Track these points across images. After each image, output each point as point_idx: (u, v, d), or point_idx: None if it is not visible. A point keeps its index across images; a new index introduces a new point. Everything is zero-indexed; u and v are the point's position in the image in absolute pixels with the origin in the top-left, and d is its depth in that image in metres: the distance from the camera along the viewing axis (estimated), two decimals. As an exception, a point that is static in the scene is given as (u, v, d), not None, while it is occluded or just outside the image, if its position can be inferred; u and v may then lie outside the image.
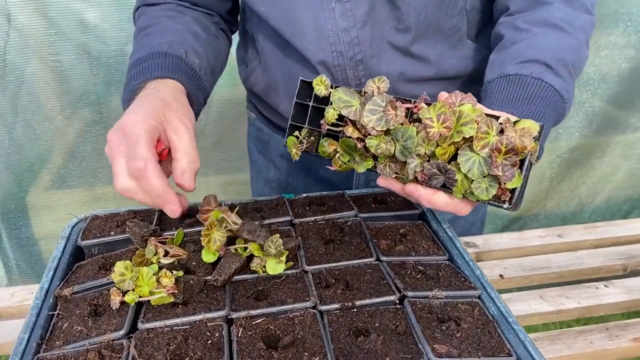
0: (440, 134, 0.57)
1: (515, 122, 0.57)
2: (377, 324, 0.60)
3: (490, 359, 0.56)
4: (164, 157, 0.67)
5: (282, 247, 0.67)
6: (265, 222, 0.77)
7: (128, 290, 0.60)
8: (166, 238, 0.70)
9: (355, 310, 0.62)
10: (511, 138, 0.55)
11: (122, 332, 0.57)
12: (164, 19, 0.86)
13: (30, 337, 0.59)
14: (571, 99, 0.74)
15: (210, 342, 0.57)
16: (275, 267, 0.67)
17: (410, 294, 0.64)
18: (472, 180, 0.57)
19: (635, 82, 2.16)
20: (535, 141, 0.56)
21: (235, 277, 0.67)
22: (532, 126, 0.56)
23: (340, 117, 0.65)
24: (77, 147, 1.91)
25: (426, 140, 0.59)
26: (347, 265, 0.70)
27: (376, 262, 0.71)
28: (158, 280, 0.61)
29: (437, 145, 0.59)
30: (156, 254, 0.65)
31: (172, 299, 0.62)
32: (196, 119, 0.78)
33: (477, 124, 0.56)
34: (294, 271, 0.68)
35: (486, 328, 0.61)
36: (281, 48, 0.90)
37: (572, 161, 2.27)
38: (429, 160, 0.60)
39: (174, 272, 0.62)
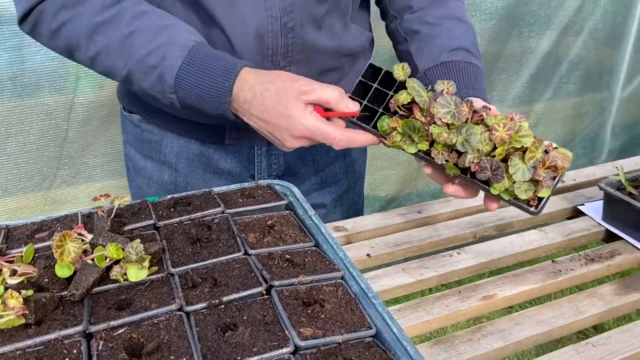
0: (502, 138, 0.69)
1: (555, 147, 0.70)
2: (245, 317, 0.61)
3: (352, 334, 0.60)
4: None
5: (143, 252, 0.65)
6: (127, 228, 0.74)
7: (-33, 319, 0.55)
8: (14, 256, 0.65)
9: (222, 306, 0.63)
10: (555, 158, 0.67)
11: (-38, 365, 0.52)
12: (125, 3, 0.82)
13: None
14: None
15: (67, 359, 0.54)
16: (138, 273, 0.65)
17: (276, 283, 0.66)
18: (514, 182, 0.67)
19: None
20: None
21: (95, 289, 0.64)
22: (568, 153, 0.69)
23: (406, 103, 0.75)
24: None
25: (487, 140, 0.70)
26: (214, 263, 0.70)
27: (244, 256, 0.71)
28: (4, 303, 0.56)
29: (494, 147, 0.69)
30: (1, 274, 0.60)
31: (22, 321, 0.57)
32: None
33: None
34: (159, 275, 0.67)
35: (349, 306, 0.64)
36: (198, 17, 0.87)
37: (436, 142, 2.46)
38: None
39: (23, 291, 0.58)
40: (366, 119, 0.80)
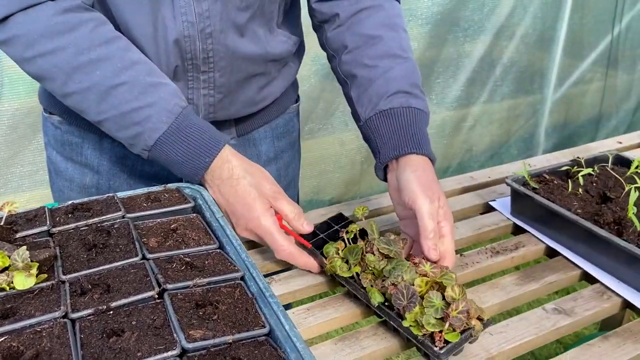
0: (426, 273, 0.74)
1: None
2: (133, 322, 0.60)
3: (244, 333, 0.60)
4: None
5: (29, 259, 0.63)
6: (19, 235, 0.71)
7: None
8: None
9: (111, 312, 0.61)
10: (470, 308, 0.68)
11: None
12: (111, 46, 0.82)
13: None
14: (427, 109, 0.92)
15: None
16: (25, 281, 0.63)
17: (170, 286, 0.65)
18: (425, 314, 0.69)
19: (421, 71, 2.44)
20: (477, 318, 0.70)
21: (-23, 300, 0.61)
22: (483, 312, 0.71)
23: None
24: None
25: (412, 272, 0.74)
26: (109, 269, 0.68)
27: (142, 261, 0.70)
28: None
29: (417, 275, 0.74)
30: None
31: None
32: None
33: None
34: (48, 283, 0.65)
35: (244, 306, 0.64)
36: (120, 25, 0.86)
37: (377, 145, 2.50)
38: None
39: None
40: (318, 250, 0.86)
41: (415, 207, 0.80)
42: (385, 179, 0.91)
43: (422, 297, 0.71)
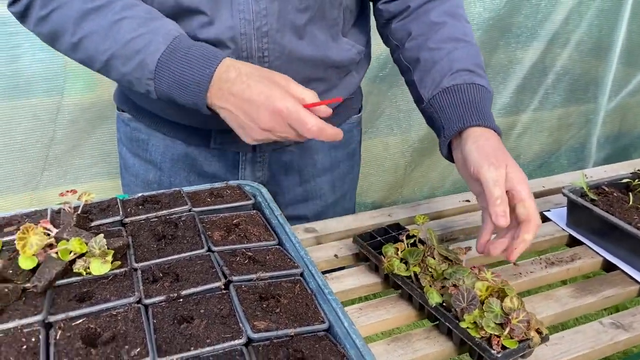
0: (487, 279, 0.75)
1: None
2: (202, 311, 0.63)
3: (305, 327, 0.62)
4: None
5: (105, 246, 0.67)
6: (94, 224, 0.76)
7: None
8: None
9: (181, 300, 0.64)
10: (531, 319, 0.69)
11: None
12: None
13: None
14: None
15: (25, 347, 0.56)
16: (101, 267, 0.67)
17: (235, 278, 0.68)
18: (484, 318, 0.70)
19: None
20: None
21: (58, 282, 0.66)
22: (543, 328, 0.72)
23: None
24: None
25: (473, 278, 0.76)
26: (178, 259, 0.72)
27: (207, 253, 0.73)
28: (-36, 293, 0.58)
29: (477, 280, 0.75)
30: (-37, 265, 0.61)
31: (-17, 310, 0.59)
32: None
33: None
34: (122, 270, 0.69)
35: (304, 301, 0.66)
36: (178, 18, 0.88)
37: (423, 150, 2.49)
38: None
39: (-15, 282, 0.60)
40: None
41: (480, 177, 0.78)
42: (451, 159, 0.89)
43: (481, 303, 0.71)
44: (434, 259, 0.79)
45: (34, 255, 0.65)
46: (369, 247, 0.87)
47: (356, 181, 1.23)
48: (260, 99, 0.78)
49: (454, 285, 0.74)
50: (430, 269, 0.79)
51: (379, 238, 0.90)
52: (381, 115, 2.44)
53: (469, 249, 0.82)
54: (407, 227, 0.94)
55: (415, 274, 0.80)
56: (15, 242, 0.64)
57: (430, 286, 0.77)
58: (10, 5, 0.88)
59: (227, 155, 1.02)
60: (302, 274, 0.71)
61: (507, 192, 0.78)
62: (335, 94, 1.03)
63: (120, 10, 0.83)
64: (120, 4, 0.83)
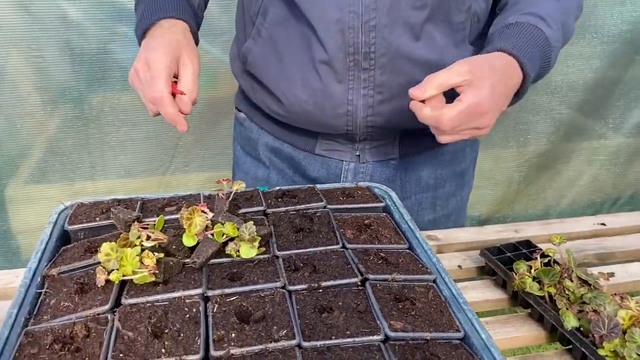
0: (631, 309, 0.71)
1: None
2: (340, 303, 0.66)
3: (440, 333, 0.63)
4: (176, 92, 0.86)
5: (255, 233, 0.73)
6: (241, 211, 0.83)
7: (113, 270, 0.65)
8: (148, 224, 0.75)
9: (320, 290, 0.68)
10: None
11: (107, 307, 0.63)
12: None
13: (19, 312, 0.63)
14: (557, 50, 0.87)
15: (188, 316, 0.63)
16: (249, 251, 0.73)
17: (371, 276, 0.70)
18: (625, 348, 0.67)
19: (599, 92, 2.27)
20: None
21: (211, 261, 0.73)
22: None
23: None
24: (57, 142, 1.94)
25: (615, 305, 0.73)
26: (314, 252, 0.76)
27: (342, 249, 0.77)
28: (141, 261, 0.66)
29: (620, 308, 0.72)
30: (139, 237, 0.70)
31: (153, 278, 0.67)
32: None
33: None
34: (265, 256, 0.74)
35: (439, 308, 0.67)
36: (291, 12, 0.92)
37: (540, 165, 2.37)
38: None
39: (155, 253, 0.67)
40: None
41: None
42: None
43: (623, 332, 0.68)
44: (572, 281, 0.77)
45: (195, 234, 0.72)
46: (498, 262, 0.86)
47: (464, 203, 1.17)
48: (154, 45, 0.87)
49: (594, 311, 0.71)
50: (567, 292, 0.76)
51: (508, 254, 0.88)
52: (496, 126, 2.36)
53: (611, 274, 0.78)
54: (537, 245, 0.91)
55: (550, 295, 0.77)
56: (183, 221, 0.71)
57: (567, 309, 0.75)
58: None
59: (331, 162, 1.03)
60: (434, 281, 0.72)
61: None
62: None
63: None
64: None
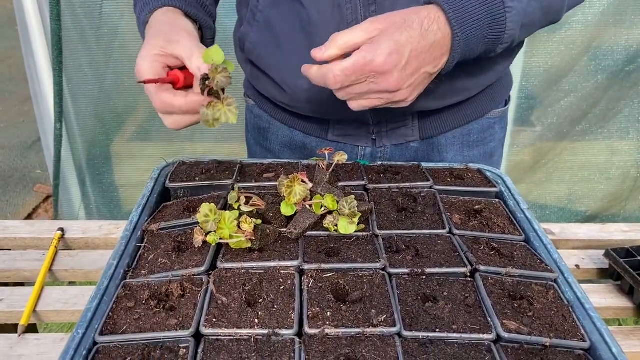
0: None
1: None
2: (445, 293, 0.60)
3: (562, 341, 0.55)
4: (183, 81, 0.71)
5: (355, 208, 0.68)
6: (340, 184, 0.78)
7: (210, 232, 0.64)
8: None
9: (424, 277, 0.62)
10: None
11: (202, 269, 0.61)
12: None
13: (119, 264, 0.64)
14: (515, 12, 0.70)
15: (282, 287, 0.60)
16: (347, 227, 0.69)
17: (482, 268, 0.63)
18: None
19: None
20: None
21: (308, 233, 0.69)
22: None
23: None
24: (161, 103, 2.00)
25: None
26: (418, 234, 0.70)
27: (448, 234, 0.70)
28: (238, 226, 0.64)
29: None
30: (238, 200, 0.68)
31: (249, 244, 0.65)
32: (214, 42, 0.85)
33: None
34: (364, 234, 0.69)
35: (560, 311, 0.59)
36: None
37: (662, 162, 2.12)
38: None
39: (253, 219, 0.65)
40: None
41: None
42: None
43: None
44: None
45: (294, 204, 0.69)
46: (627, 266, 0.75)
47: None
48: (142, 47, 0.73)
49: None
50: None
51: (638, 257, 0.77)
52: (616, 116, 2.13)
53: None
54: None
55: None
56: (282, 189, 0.68)
57: None
58: None
59: (346, 148, 0.94)
60: (555, 280, 0.64)
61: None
62: (469, 80, 0.85)
63: None
64: None
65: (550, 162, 2.20)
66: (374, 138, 0.92)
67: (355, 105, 0.72)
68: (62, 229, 0.91)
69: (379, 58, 0.66)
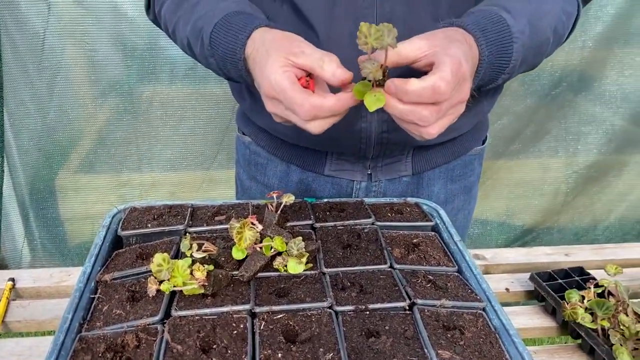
0: None
1: None
2: (387, 327, 0.66)
3: (489, 367, 0.62)
4: (313, 87, 0.71)
5: (303, 249, 0.73)
6: (289, 224, 0.83)
7: (164, 280, 0.67)
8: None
9: (367, 312, 0.68)
10: None
11: (157, 318, 0.64)
12: None
13: (74, 317, 0.65)
14: (520, 43, 0.77)
15: (235, 332, 0.63)
16: (296, 267, 0.73)
17: (419, 301, 0.69)
18: None
19: (656, 103, 2.17)
20: None
21: (259, 274, 0.73)
22: None
23: None
24: (107, 134, 1.99)
25: None
26: (362, 270, 0.75)
27: (389, 269, 0.76)
28: (191, 273, 0.67)
29: None
30: (190, 248, 0.71)
31: (202, 291, 0.68)
32: None
33: None
34: (313, 272, 0.74)
35: (488, 338, 0.66)
36: (296, 23, 0.85)
37: (589, 178, 2.29)
38: None
39: (205, 266, 0.68)
40: None
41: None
42: None
43: None
44: (627, 316, 0.73)
45: (245, 248, 0.72)
46: (549, 289, 0.83)
47: (470, 218, 1.13)
48: (257, 77, 0.72)
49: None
50: (622, 326, 0.73)
51: (559, 280, 0.85)
52: (546, 135, 2.29)
53: None
54: (590, 272, 0.88)
55: (603, 329, 0.74)
56: (233, 234, 0.72)
57: (621, 345, 0.72)
58: (146, 12, 0.96)
59: (342, 182, 1.00)
60: (484, 309, 0.71)
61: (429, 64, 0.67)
62: (461, 118, 0.90)
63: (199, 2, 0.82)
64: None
65: (489, 180, 2.33)
66: (369, 172, 0.98)
67: (436, 129, 0.70)
68: (12, 279, 0.90)
69: (463, 62, 0.67)
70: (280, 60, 0.70)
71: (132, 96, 1.95)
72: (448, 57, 0.66)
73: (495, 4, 0.81)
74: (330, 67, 0.68)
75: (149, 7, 0.97)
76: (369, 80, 0.67)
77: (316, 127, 0.70)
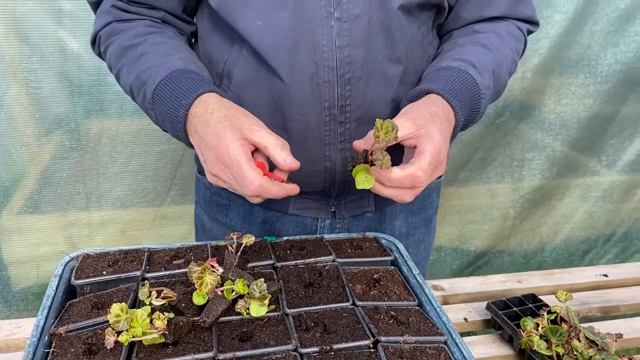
0: None
1: None
2: (352, 367, 0.66)
3: (453, 401, 0.63)
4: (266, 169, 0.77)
5: (265, 291, 0.72)
6: (250, 265, 0.82)
7: (122, 331, 0.64)
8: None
9: (332, 353, 0.67)
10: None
11: (116, 372, 0.61)
12: (152, 36, 0.88)
13: (25, 375, 0.62)
14: (486, 98, 0.87)
15: (198, 382, 0.61)
16: (259, 309, 0.72)
17: (383, 338, 0.70)
18: None
19: (593, 129, 2.31)
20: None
21: (221, 318, 0.72)
22: None
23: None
24: (53, 173, 1.92)
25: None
26: (325, 309, 0.75)
27: (352, 306, 0.76)
28: (151, 322, 0.65)
29: None
30: (149, 295, 0.69)
31: (162, 340, 0.66)
32: None
33: None
34: (275, 314, 0.74)
35: (451, 372, 0.67)
36: (259, 72, 0.87)
37: (534, 201, 2.40)
38: None
39: (165, 313, 0.66)
40: None
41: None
42: None
43: None
44: (580, 341, 0.77)
45: (206, 293, 0.71)
46: (505, 317, 0.86)
47: (430, 249, 1.16)
48: (212, 142, 0.75)
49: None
50: (575, 352, 0.76)
51: (514, 308, 0.88)
52: (492, 163, 2.39)
53: (619, 336, 0.78)
54: (541, 297, 0.92)
55: (558, 355, 0.77)
56: (194, 280, 0.70)
57: None
58: (91, 46, 0.97)
59: (306, 221, 1.01)
60: (446, 342, 0.72)
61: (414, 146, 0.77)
62: None
63: (146, 47, 0.86)
64: (150, 42, 0.86)
65: (441, 207, 2.39)
66: (333, 210, 0.99)
67: (412, 198, 0.78)
68: (-47, 334, 0.85)
69: (443, 148, 0.76)
70: (239, 133, 0.75)
71: (79, 133, 1.90)
72: (430, 146, 0.75)
73: (460, 58, 0.88)
74: (283, 154, 0.75)
75: (94, 42, 0.97)
76: (372, 165, 0.76)
77: (256, 200, 0.76)
